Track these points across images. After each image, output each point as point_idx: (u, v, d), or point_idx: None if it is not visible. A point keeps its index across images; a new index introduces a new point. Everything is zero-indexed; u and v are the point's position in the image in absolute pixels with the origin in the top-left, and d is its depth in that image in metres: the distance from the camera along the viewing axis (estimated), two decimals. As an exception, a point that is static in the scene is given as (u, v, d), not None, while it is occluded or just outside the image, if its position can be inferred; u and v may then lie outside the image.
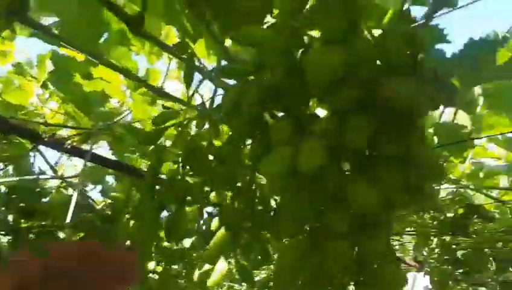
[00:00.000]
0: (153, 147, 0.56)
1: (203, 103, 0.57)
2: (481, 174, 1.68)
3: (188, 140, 0.54)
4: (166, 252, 0.55)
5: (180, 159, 0.54)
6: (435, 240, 2.64)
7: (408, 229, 2.49)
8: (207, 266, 0.53)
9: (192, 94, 0.56)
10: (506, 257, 2.75)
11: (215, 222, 0.52)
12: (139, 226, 0.53)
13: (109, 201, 2.09)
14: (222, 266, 0.52)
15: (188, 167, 0.55)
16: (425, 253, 2.87)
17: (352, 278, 0.36)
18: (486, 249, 2.81)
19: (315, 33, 0.38)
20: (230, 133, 0.56)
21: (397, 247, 3.33)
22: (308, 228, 0.38)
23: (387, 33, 0.37)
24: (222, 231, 0.50)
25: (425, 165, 0.38)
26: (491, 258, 2.43)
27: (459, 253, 2.94)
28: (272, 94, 0.39)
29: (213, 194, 0.55)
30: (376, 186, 0.36)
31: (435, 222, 2.22)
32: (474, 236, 2.30)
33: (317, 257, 0.36)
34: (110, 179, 2.03)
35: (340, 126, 0.35)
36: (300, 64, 0.37)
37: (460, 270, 3.35)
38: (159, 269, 0.63)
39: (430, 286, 3.04)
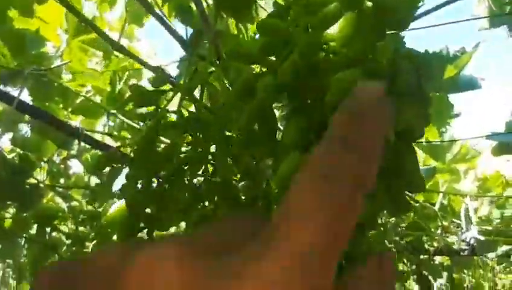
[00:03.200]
0: (148, 111, 0.50)
1: (196, 70, 0.52)
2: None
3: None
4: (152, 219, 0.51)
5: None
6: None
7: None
8: None
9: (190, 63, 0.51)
10: (401, 248, 3.03)
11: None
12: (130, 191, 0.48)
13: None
14: None
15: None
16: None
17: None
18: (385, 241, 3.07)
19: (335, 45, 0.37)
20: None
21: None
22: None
23: (396, 57, 0.37)
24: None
25: (410, 179, 0.38)
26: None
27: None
28: (287, 88, 0.37)
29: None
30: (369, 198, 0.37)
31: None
32: (381, 229, 2.49)
33: None
34: (24, 128, 1.84)
35: None
36: (319, 69, 0.36)
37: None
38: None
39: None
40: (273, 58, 0.44)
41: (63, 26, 1.21)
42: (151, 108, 0.53)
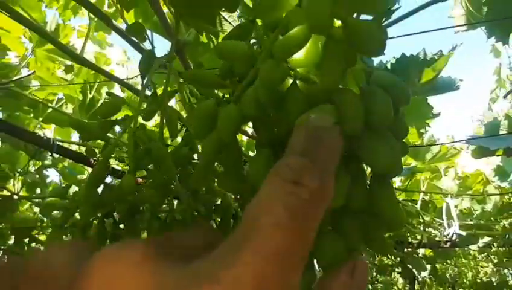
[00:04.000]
0: (98, 145, 0.46)
1: (155, 93, 0.48)
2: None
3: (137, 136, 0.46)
4: None
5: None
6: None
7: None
8: None
9: (146, 84, 0.47)
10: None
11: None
12: (80, 235, 0.44)
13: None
14: None
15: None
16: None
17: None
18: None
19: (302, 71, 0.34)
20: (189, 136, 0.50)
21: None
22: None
23: (371, 86, 0.34)
24: None
25: (389, 219, 0.36)
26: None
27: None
28: (251, 119, 0.34)
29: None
30: (341, 239, 0.34)
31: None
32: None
33: None
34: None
35: None
36: (286, 98, 0.33)
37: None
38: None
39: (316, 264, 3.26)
40: (237, 79, 0.41)
41: (27, 34, 1.16)
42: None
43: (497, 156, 1.10)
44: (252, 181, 0.36)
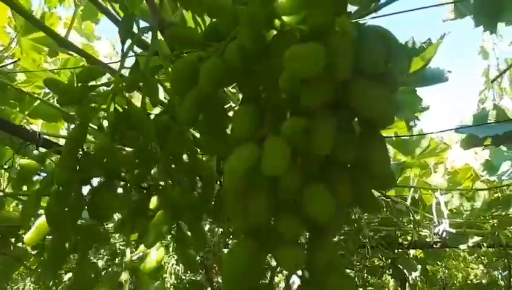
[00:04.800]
0: (77, 107, 0.45)
1: (136, 63, 0.47)
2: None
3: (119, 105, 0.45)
4: (87, 232, 0.45)
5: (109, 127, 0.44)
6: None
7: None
8: (141, 248, 0.45)
9: (126, 53, 0.46)
10: (375, 243, 3.04)
11: (153, 200, 0.44)
12: (55, 202, 0.42)
13: None
14: (159, 251, 0.45)
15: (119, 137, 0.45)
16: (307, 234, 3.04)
17: (300, 285, 0.34)
18: (360, 236, 3.08)
19: (289, 19, 0.33)
20: (171, 102, 0.48)
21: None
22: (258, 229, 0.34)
23: (364, 34, 0.33)
24: (164, 210, 0.43)
25: (380, 174, 0.35)
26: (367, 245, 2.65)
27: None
28: (235, 73, 0.33)
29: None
30: (330, 192, 0.33)
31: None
32: (355, 225, 2.49)
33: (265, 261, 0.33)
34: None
35: (307, 128, 0.31)
36: (271, 48, 0.32)
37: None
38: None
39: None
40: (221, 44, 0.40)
41: (12, 23, 1.14)
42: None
43: (486, 146, 1.10)
44: (236, 137, 0.35)
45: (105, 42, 1.50)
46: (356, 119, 0.35)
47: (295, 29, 0.32)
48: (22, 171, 0.44)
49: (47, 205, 0.43)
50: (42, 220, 0.44)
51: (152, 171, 0.50)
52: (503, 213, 2.08)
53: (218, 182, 0.52)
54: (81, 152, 0.46)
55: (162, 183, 0.49)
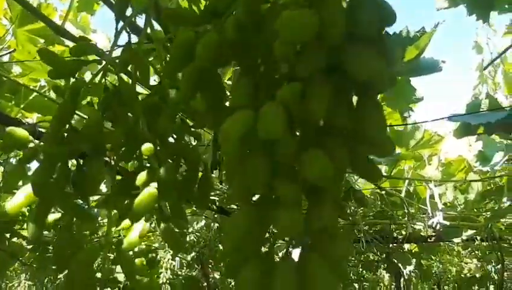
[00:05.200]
0: (69, 81, 0.45)
1: (129, 42, 0.48)
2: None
3: (110, 84, 0.45)
4: (71, 205, 0.46)
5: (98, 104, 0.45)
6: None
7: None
8: (124, 223, 0.46)
9: (120, 32, 0.47)
10: (370, 237, 3.06)
11: (141, 177, 0.45)
12: (41, 173, 0.43)
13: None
14: (141, 226, 0.46)
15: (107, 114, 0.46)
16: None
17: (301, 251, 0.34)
18: (355, 231, 3.10)
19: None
20: (159, 81, 0.49)
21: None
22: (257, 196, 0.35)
23: (358, 2, 0.34)
24: (151, 188, 0.44)
25: (376, 141, 0.36)
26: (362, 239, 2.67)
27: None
28: (231, 46, 0.34)
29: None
30: (327, 157, 0.34)
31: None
32: (350, 218, 2.50)
33: (265, 227, 0.34)
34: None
35: (302, 93, 0.32)
36: (266, 20, 0.33)
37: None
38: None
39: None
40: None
41: (8, 14, 1.14)
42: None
43: (479, 134, 1.12)
44: (234, 106, 0.36)
45: (101, 35, 1.50)
46: (352, 86, 0.36)
47: (290, 1, 0.33)
48: (10, 137, 0.44)
49: (33, 175, 0.43)
50: (27, 190, 0.44)
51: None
52: (496, 205, 2.11)
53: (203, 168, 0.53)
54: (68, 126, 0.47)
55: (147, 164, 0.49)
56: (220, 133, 0.31)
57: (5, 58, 1.41)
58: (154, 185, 0.43)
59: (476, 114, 1.06)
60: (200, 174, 0.52)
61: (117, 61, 0.49)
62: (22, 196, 0.45)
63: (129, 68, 0.51)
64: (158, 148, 0.48)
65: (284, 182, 0.33)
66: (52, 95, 1.66)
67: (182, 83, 0.39)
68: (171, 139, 0.52)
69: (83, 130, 0.45)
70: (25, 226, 2.34)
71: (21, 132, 0.46)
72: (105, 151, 0.47)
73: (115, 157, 0.47)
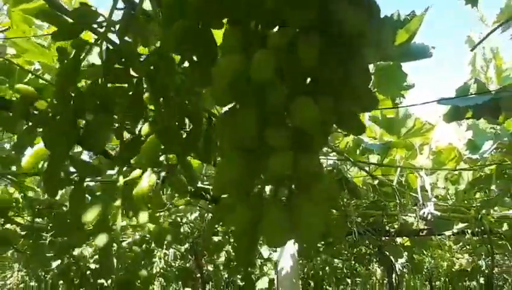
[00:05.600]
0: (71, 41, 0.46)
1: (130, 2, 0.49)
2: (358, 151, 1.84)
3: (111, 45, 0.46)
4: (79, 163, 0.47)
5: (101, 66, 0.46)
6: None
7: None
8: (134, 174, 0.48)
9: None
10: (362, 230, 3.08)
11: (145, 128, 0.46)
12: (51, 134, 0.44)
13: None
14: (149, 177, 0.47)
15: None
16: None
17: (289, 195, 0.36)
18: (348, 223, 3.12)
19: None
20: (161, 41, 0.50)
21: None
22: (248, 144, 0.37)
23: None
24: (153, 137, 0.45)
25: (360, 91, 0.38)
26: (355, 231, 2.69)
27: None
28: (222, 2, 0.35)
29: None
30: (315, 104, 0.36)
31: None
32: (343, 208, 2.52)
33: (256, 172, 0.35)
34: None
35: (293, 42, 0.34)
36: None
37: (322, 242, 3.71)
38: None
39: (296, 253, 3.29)
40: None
41: (2, -7, 1.14)
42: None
43: (467, 118, 1.14)
44: (223, 48, 0.37)
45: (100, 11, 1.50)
46: (340, 40, 0.37)
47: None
48: (22, 98, 0.46)
49: (44, 131, 0.44)
50: (39, 146, 0.46)
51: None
52: (486, 196, 2.14)
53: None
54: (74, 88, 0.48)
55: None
56: (213, 74, 0.32)
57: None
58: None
59: (464, 97, 1.08)
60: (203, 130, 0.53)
61: (118, 25, 0.51)
62: (34, 152, 0.46)
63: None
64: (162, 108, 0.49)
65: (274, 129, 0.35)
66: (47, 76, 1.67)
67: (169, 35, 0.41)
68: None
69: (88, 88, 0.46)
70: (19, 212, 2.34)
71: (29, 89, 0.47)
72: (111, 109, 0.48)
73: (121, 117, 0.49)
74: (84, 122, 0.49)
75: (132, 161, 0.49)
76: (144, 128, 0.46)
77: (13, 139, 1.93)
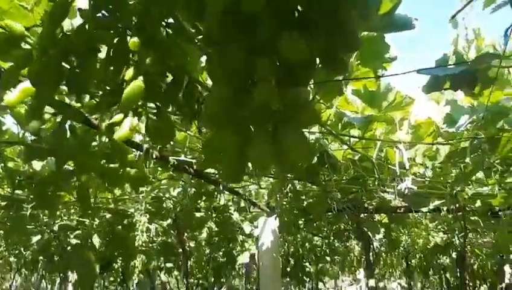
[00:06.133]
0: None
1: None
2: (339, 125, 1.87)
3: None
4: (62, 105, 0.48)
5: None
6: (289, 186, 2.90)
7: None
8: (116, 118, 0.49)
9: None
10: (341, 206, 3.15)
11: (129, 72, 0.47)
12: (37, 77, 0.45)
13: None
14: (131, 120, 0.49)
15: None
16: (278, 198, 3.13)
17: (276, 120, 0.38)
18: (327, 200, 3.18)
19: None
20: None
21: (253, 193, 3.58)
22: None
23: None
24: (138, 81, 0.46)
25: (345, 29, 0.39)
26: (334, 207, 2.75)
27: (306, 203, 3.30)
28: None
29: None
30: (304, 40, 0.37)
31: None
32: (323, 183, 2.58)
33: (245, 103, 0.37)
34: None
35: None
36: None
37: (303, 219, 3.78)
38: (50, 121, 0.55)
39: (277, 229, 3.36)
40: None
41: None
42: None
43: (445, 90, 1.18)
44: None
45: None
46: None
47: None
48: (9, 34, 0.46)
49: (30, 70, 0.45)
50: (26, 84, 0.47)
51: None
52: (461, 173, 2.21)
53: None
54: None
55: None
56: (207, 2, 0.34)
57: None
58: (141, 78, 0.46)
59: (443, 68, 1.11)
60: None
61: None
62: (20, 89, 0.47)
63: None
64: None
65: (262, 59, 0.37)
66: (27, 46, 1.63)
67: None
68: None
69: (75, 32, 0.47)
70: (0, 183, 2.31)
71: (18, 27, 0.47)
72: (96, 52, 0.49)
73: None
74: (69, 67, 0.49)
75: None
76: (128, 72, 0.47)
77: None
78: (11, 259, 4.60)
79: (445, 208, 3.14)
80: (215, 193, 3.12)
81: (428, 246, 4.70)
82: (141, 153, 1.60)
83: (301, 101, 0.37)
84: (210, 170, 2.56)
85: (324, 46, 0.40)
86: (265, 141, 0.36)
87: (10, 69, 0.49)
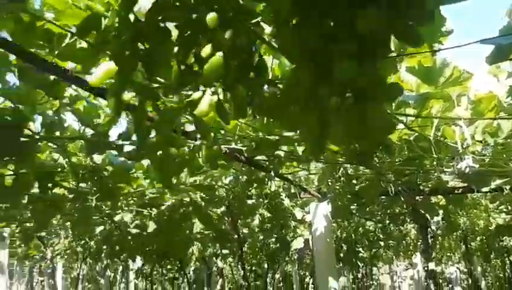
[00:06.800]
0: None
1: None
2: (393, 105, 1.81)
3: None
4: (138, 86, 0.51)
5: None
6: (341, 170, 2.86)
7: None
8: (196, 95, 0.50)
9: None
10: (397, 188, 3.07)
11: (205, 49, 0.49)
12: (119, 49, 0.47)
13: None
14: (210, 97, 0.50)
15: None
16: (330, 183, 3.10)
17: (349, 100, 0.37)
18: (381, 183, 3.11)
19: None
20: None
21: (302, 179, 3.57)
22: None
23: None
24: (216, 56, 0.47)
25: (419, 5, 0.38)
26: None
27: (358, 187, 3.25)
28: None
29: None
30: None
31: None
32: (377, 166, 2.52)
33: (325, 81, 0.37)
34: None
35: None
36: None
37: (355, 204, 3.73)
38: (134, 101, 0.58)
39: (329, 215, 3.33)
40: None
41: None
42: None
43: (511, 60, 1.11)
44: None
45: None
46: None
47: None
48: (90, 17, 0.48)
49: (113, 51, 0.47)
50: (108, 65, 0.49)
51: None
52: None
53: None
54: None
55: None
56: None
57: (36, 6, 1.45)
58: (220, 54, 0.47)
59: (508, 36, 1.04)
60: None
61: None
62: (103, 70, 0.49)
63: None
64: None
65: (339, 38, 0.36)
66: (83, 44, 1.71)
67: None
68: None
69: (147, 14, 0.48)
70: (64, 178, 2.45)
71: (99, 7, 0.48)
72: (169, 34, 0.50)
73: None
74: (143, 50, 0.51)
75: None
76: (204, 49, 0.48)
77: (55, 106, 2.00)
78: (78, 249, 4.90)
79: (508, 187, 2.97)
80: (266, 180, 3.14)
81: (490, 228, 4.49)
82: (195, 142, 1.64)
83: (382, 75, 0.36)
84: (260, 157, 2.58)
85: (399, 19, 0.39)
86: (348, 118, 0.35)
87: (89, 51, 0.51)
